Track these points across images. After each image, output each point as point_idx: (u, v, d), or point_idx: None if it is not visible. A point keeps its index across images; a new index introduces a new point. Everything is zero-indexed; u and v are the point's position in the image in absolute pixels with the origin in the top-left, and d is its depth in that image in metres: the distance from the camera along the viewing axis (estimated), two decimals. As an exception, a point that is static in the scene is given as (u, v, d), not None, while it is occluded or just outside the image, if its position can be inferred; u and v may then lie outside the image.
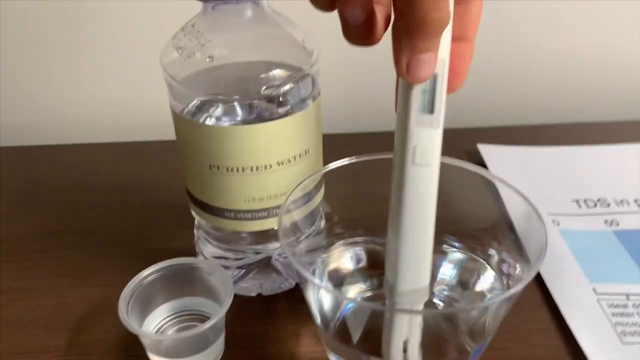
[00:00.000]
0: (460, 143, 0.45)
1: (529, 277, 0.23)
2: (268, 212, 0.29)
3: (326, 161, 0.30)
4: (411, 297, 0.25)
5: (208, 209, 0.29)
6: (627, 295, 0.31)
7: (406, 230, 0.24)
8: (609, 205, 0.38)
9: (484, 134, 0.47)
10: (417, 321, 0.25)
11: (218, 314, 0.27)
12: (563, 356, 0.28)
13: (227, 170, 0.27)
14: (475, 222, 0.29)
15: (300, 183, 0.27)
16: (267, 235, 0.31)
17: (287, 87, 0.27)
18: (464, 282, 0.29)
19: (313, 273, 0.29)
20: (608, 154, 0.43)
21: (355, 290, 0.29)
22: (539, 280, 0.32)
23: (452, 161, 0.28)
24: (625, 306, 0.30)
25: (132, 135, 0.50)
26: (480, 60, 0.51)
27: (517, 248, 0.27)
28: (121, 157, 0.47)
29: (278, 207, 0.29)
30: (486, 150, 0.43)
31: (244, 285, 0.32)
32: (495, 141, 0.45)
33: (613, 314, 0.30)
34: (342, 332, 0.27)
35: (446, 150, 0.45)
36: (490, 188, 0.28)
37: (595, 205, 0.38)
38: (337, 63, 0.42)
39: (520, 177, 0.40)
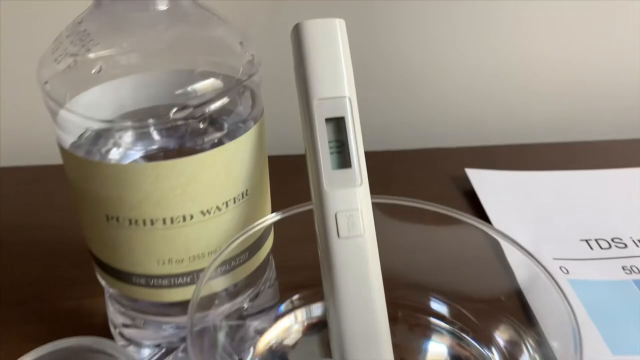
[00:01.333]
0: (444, 166, 0.39)
1: None
2: (192, 277, 0.21)
3: (279, 196, 0.23)
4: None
5: (111, 271, 0.22)
6: (662, 372, 0.25)
7: (346, 315, 0.18)
8: (625, 246, 0.31)
9: (470, 155, 0.40)
10: None
11: None
12: None
13: (130, 223, 0.20)
14: (473, 293, 0.22)
15: (230, 244, 0.20)
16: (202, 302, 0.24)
17: (215, 105, 0.20)
18: None
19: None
20: (620, 179, 0.37)
21: None
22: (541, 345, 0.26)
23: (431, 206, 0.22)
24: (660, 388, 0.24)
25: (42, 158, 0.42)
26: (467, 71, 0.45)
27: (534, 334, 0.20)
28: (22, 183, 0.39)
29: (218, 264, 0.21)
30: (475, 176, 0.36)
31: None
32: (483, 162, 0.39)
33: (646, 401, 0.23)
34: None
35: (428, 176, 0.39)
36: (492, 245, 0.21)
37: (610, 246, 0.32)
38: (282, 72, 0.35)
39: (517, 210, 0.33)
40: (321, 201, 0.18)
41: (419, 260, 0.21)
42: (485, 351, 0.21)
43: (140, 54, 0.20)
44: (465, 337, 0.22)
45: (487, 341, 0.21)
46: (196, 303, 0.18)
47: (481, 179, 0.36)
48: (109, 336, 0.25)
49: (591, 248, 0.31)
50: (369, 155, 0.48)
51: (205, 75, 0.20)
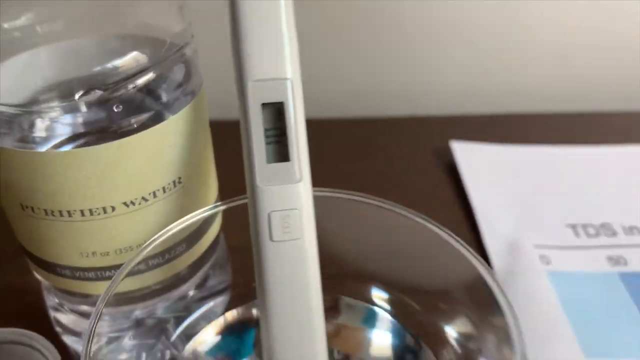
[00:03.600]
0: (429, 137, 0.36)
1: None
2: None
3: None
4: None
5: (36, 260, 0.20)
6: (637, 379, 0.23)
7: (277, 327, 0.16)
8: (614, 233, 0.29)
9: (459, 124, 0.37)
10: None
11: None
12: None
13: (46, 213, 0.18)
14: (415, 283, 0.20)
15: (154, 240, 0.18)
16: (135, 295, 0.22)
17: (138, 82, 0.17)
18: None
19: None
20: (619, 157, 0.34)
21: None
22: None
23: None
24: (632, 397, 0.22)
25: None
26: (459, 34, 0.41)
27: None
28: None
29: (138, 262, 0.20)
30: (460, 149, 0.34)
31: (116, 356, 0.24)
32: (473, 133, 0.36)
33: (616, 412, 0.22)
34: None
35: (408, 147, 0.37)
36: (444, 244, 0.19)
37: (598, 233, 0.29)
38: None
39: (501, 189, 0.31)
40: (253, 198, 0.16)
41: (361, 253, 0.19)
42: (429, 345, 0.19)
43: (62, 20, 0.18)
44: (409, 323, 0.20)
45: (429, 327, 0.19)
46: (101, 307, 0.16)
47: (466, 153, 0.33)
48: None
49: (577, 235, 0.29)
50: (350, 122, 0.45)
51: (129, 47, 0.18)
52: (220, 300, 0.23)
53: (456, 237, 0.18)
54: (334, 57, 0.39)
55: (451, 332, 0.19)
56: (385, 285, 0.20)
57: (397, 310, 0.20)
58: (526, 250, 0.27)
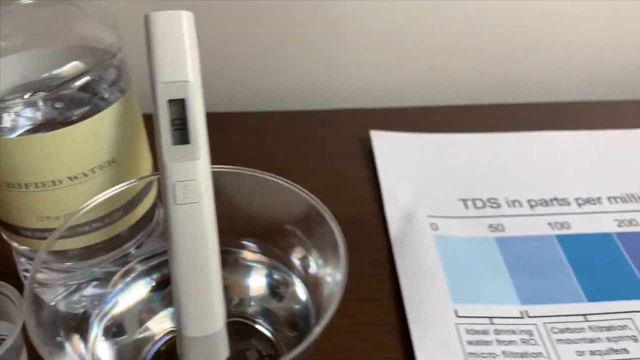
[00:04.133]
0: (356, 127, 0.41)
1: (327, 316, 0.20)
2: (70, 231, 0.25)
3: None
4: (203, 344, 0.22)
5: (4, 225, 0.25)
6: (491, 318, 0.28)
7: (182, 275, 0.21)
8: (499, 206, 0.35)
9: (387, 116, 0.43)
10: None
11: (13, 332, 0.24)
12: (402, 393, 0.26)
13: (8, 185, 0.23)
14: (275, 228, 0.25)
15: (87, 205, 0.23)
16: (88, 252, 0.27)
17: (78, 83, 0.23)
18: (275, 294, 0.26)
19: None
20: (509, 142, 0.39)
21: (161, 329, 0.25)
22: (398, 297, 0.29)
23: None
24: (485, 332, 0.27)
25: None
26: (389, 28, 0.47)
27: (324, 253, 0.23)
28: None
29: (82, 224, 0.25)
30: (378, 137, 0.39)
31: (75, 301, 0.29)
32: (397, 123, 0.41)
33: (469, 342, 0.27)
34: None
35: (335, 137, 0.42)
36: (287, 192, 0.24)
37: (484, 205, 0.35)
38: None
39: (410, 171, 0.36)
40: (162, 172, 0.21)
41: (237, 213, 0.24)
42: (291, 274, 0.25)
43: (19, 36, 0.23)
44: (274, 267, 0.26)
45: (290, 266, 0.25)
46: (40, 260, 0.21)
47: (383, 140, 0.39)
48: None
49: (466, 207, 0.34)
50: (287, 115, 0.50)
51: (73, 56, 0.23)
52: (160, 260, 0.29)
53: (309, 194, 0.24)
54: (269, 55, 0.44)
55: (296, 260, 0.25)
56: (256, 238, 0.26)
57: (266, 254, 0.26)
58: (419, 219, 0.33)
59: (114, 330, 0.24)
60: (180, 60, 0.21)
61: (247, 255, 0.26)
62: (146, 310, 0.25)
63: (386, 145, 0.39)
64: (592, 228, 0.33)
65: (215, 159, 0.23)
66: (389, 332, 0.28)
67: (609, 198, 0.35)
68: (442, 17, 0.43)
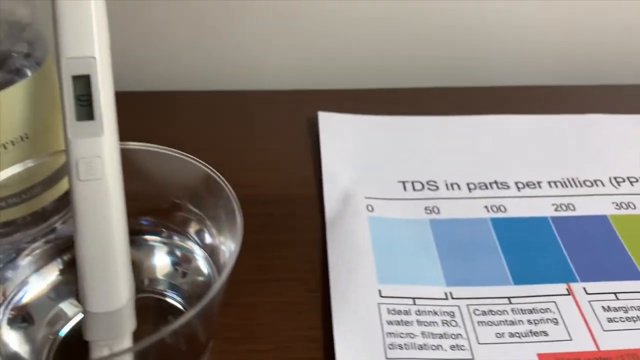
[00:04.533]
0: (307, 108, 0.41)
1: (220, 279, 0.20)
2: (-14, 205, 0.25)
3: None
4: (108, 320, 0.22)
5: None
6: (415, 299, 0.28)
7: (86, 253, 0.21)
8: (437, 189, 0.34)
9: (340, 98, 0.42)
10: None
11: None
12: (317, 371, 0.26)
13: None
14: (174, 204, 0.25)
15: None
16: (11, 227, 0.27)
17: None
18: (178, 271, 0.26)
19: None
20: (451, 125, 0.39)
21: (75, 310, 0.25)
22: (325, 276, 0.29)
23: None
24: (407, 312, 0.27)
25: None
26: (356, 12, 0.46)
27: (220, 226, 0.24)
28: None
29: (-3, 199, 0.25)
30: (325, 118, 0.39)
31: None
32: (351, 106, 0.40)
33: (389, 322, 0.27)
34: None
35: (286, 118, 0.42)
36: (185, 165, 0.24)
37: (423, 188, 0.35)
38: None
39: (353, 151, 0.36)
40: (67, 148, 0.21)
41: (138, 190, 0.24)
42: (192, 249, 0.25)
43: None
44: (175, 243, 0.26)
45: (190, 241, 0.25)
46: None
47: (330, 122, 0.39)
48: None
49: (405, 189, 0.34)
50: (232, 94, 0.49)
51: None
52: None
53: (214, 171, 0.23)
54: (221, 32, 0.43)
55: (194, 234, 0.25)
56: (157, 216, 0.26)
57: (167, 231, 0.26)
58: (356, 200, 0.33)
59: (23, 314, 0.24)
60: (86, 35, 0.21)
61: (149, 234, 0.26)
62: (58, 291, 0.25)
63: (333, 127, 0.38)
64: (528, 212, 0.33)
65: (155, 139, 0.24)
66: (313, 310, 0.28)
67: (549, 182, 0.35)
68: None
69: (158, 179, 0.24)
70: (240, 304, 0.27)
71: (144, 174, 0.24)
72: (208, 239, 0.24)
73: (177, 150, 0.23)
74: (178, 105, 0.42)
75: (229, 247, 0.22)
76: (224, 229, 0.22)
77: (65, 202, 0.27)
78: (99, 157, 0.21)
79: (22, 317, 0.23)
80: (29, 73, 0.24)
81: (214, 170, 0.23)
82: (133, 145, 0.24)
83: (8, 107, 0.23)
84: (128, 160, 0.23)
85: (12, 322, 0.23)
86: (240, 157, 0.37)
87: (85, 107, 0.21)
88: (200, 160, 0.23)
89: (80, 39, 0.21)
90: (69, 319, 0.24)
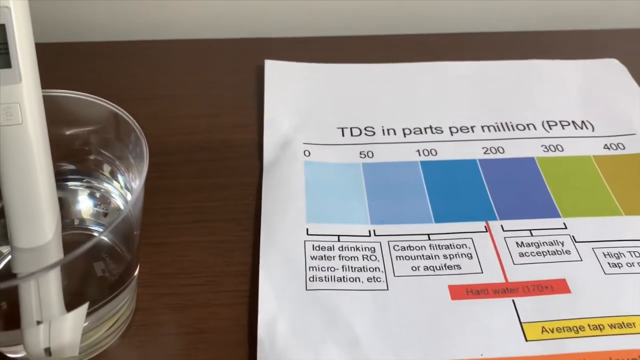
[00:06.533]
0: (254, 56, 0.41)
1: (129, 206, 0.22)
2: None
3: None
4: (35, 255, 0.23)
5: None
6: (339, 236, 0.30)
7: (10, 193, 0.23)
8: (374, 134, 0.36)
9: (288, 46, 0.43)
10: (46, 279, 0.23)
11: None
12: (242, 301, 0.27)
13: None
14: (86, 147, 0.27)
15: None
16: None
17: None
18: (104, 210, 0.28)
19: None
20: (397, 73, 0.40)
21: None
22: (258, 217, 0.31)
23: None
24: (330, 248, 0.29)
25: None
26: None
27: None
28: None
29: None
30: (272, 66, 0.40)
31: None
32: (302, 54, 0.41)
33: (313, 257, 0.29)
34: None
35: (236, 65, 0.42)
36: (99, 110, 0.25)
37: (360, 134, 0.36)
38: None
39: (297, 100, 0.37)
40: (-14, 95, 0.23)
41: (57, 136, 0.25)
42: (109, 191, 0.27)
43: None
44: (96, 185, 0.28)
45: (105, 182, 0.27)
46: None
47: (275, 69, 0.39)
48: None
49: (343, 135, 0.35)
50: (187, 43, 0.49)
51: None
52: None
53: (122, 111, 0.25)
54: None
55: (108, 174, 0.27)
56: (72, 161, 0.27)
57: (84, 175, 0.27)
58: (294, 146, 0.34)
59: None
60: (2, -13, 0.22)
61: (71, 181, 0.27)
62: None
63: (277, 75, 0.39)
64: (458, 155, 0.34)
65: (103, 89, 0.25)
66: (243, 248, 0.30)
67: (482, 127, 0.36)
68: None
69: (73, 124, 0.25)
70: (174, 243, 0.29)
71: (59, 119, 0.25)
72: (121, 178, 0.26)
73: (89, 95, 0.25)
74: (131, 53, 0.42)
75: (137, 183, 0.24)
76: (133, 167, 0.24)
77: None
78: (18, 103, 0.23)
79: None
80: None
81: (119, 108, 0.24)
82: (51, 92, 0.25)
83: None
84: (48, 107, 0.24)
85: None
86: (186, 104, 0.38)
87: (2, 55, 0.22)
88: (107, 101, 0.24)
89: (-7, -13, 0.22)
90: (3, 257, 0.26)
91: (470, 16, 0.47)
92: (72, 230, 0.27)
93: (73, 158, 0.26)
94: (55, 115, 0.25)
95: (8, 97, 0.23)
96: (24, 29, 0.23)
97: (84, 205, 0.27)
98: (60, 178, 0.26)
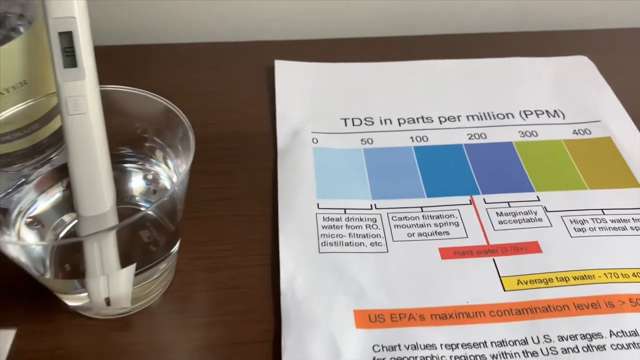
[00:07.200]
0: (266, 57, 0.46)
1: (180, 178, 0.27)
2: (-6, 139, 0.31)
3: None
4: (96, 222, 0.28)
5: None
6: (345, 210, 0.35)
7: (76, 170, 0.28)
8: (373, 124, 0.41)
9: (295, 47, 0.48)
10: (106, 240, 0.28)
11: None
12: (266, 263, 0.32)
13: (-62, 101, 0.29)
14: (142, 134, 0.32)
15: None
16: (16, 157, 0.34)
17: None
18: (153, 188, 0.32)
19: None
20: (393, 70, 0.45)
21: (71, 217, 0.32)
22: (275, 194, 0.36)
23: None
24: (338, 219, 0.34)
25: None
26: None
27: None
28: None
29: (4, 134, 0.31)
30: (282, 66, 0.45)
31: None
32: (305, 55, 0.46)
33: (323, 227, 0.34)
34: (56, 269, 0.29)
35: (243, 66, 0.47)
36: (154, 104, 0.30)
37: (361, 123, 0.41)
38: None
39: (305, 95, 0.43)
40: (57, 90, 0.27)
41: (116, 125, 0.30)
42: (161, 167, 0.32)
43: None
44: (146, 169, 0.32)
45: (157, 165, 0.32)
46: None
47: (284, 69, 0.45)
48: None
49: (346, 125, 0.41)
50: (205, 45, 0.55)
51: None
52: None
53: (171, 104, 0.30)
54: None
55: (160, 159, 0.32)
56: (131, 146, 0.32)
57: (139, 157, 0.32)
58: (304, 134, 0.39)
59: (35, 222, 0.31)
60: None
61: (127, 163, 0.32)
62: (59, 205, 0.31)
63: (287, 73, 0.44)
64: (446, 140, 0.39)
65: (136, 85, 0.30)
66: (264, 221, 0.35)
67: (467, 116, 0.41)
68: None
69: (130, 115, 0.30)
70: (205, 217, 0.34)
71: (119, 111, 0.30)
72: (170, 163, 0.31)
73: (143, 90, 0.29)
74: (154, 55, 0.47)
75: (184, 167, 0.29)
76: (181, 154, 0.29)
77: (58, 138, 0.33)
78: (83, 96, 0.27)
79: (35, 223, 0.30)
80: (22, 30, 0.29)
81: (172, 104, 0.29)
82: (109, 87, 0.30)
83: (8, 58, 0.29)
84: (107, 100, 0.29)
85: (28, 226, 0.30)
86: (207, 99, 0.43)
87: (70, 57, 0.27)
88: (161, 97, 0.29)
89: (62, 1, 0.27)
90: (66, 225, 0.31)
91: (456, 19, 0.52)
92: (125, 205, 0.31)
93: (132, 144, 0.31)
94: (119, 108, 0.30)
95: (75, 91, 0.27)
96: (86, 34, 0.27)
97: (137, 184, 0.32)
98: (120, 160, 0.31)
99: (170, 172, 0.31)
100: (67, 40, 0.27)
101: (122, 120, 0.30)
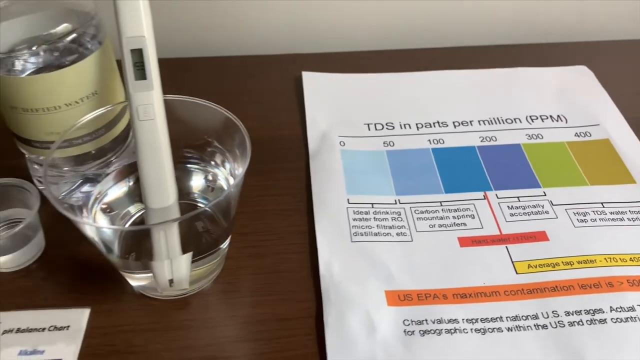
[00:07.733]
0: (294, 69, 0.51)
1: (238, 177, 0.31)
2: (69, 143, 0.35)
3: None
4: (162, 213, 0.32)
5: (20, 139, 0.36)
6: (373, 204, 0.39)
7: (145, 168, 0.32)
8: (393, 128, 0.45)
9: (321, 60, 0.53)
10: (171, 229, 0.32)
11: (30, 215, 0.35)
12: (304, 250, 0.37)
13: (24, 110, 0.33)
14: (205, 139, 0.35)
15: (75, 124, 0.33)
16: (82, 159, 0.38)
17: (68, 39, 0.33)
18: (208, 187, 0.36)
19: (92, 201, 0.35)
20: (411, 80, 0.50)
21: (136, 209, 0.36)
22: (309, 191, 0.40)
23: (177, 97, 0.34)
24: (367, 213, 0.38)
25: None
26: None
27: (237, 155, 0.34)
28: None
29: (76, 138, 0.35)
30: (308, 77, 0.49)
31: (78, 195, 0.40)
32: (330, 67, 0.51)
33: (354, 219, 0.38)
34: (126, 252, 0.33)
35: (274, 77, 0.52)
36: (215, 113, 0.34)
37: (383, 128, 0.45)
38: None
39: (330, 103, 0.47)
40: (129, 99, 0.31)
41: (182, 130, 0.34)
42: (217, 170, 0.36)
43: (22, 4, 0.32)
44: (206, 170, 0.36)
45: (215, 166, 0.36)
46: (47, 163, 0.31)
47: (312, 79, 0.49)
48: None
49: (369, 129, 0.45)
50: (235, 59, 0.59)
51: (63, 19, 0.32)
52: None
53: (229, 113, 0.34)
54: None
55: (219, 162, 0.35)
56: (193, 148, 0.36)
57: (200, 159, 0.36)
58: (332, 138, 0.44)
59: (108, 209, 0.35)
60: (138, 20, 0.31)
61: (189, 163, 0.36)
62: (127, 197, 0.36)
63: (314, 83, 0.49)
64: (460, 143, 0.44)
65: (179, 93, 0.34)
66: (300, 214, 0.39)
67: (479, 121, 0.45)
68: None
69: (195, 122, 0.34)
70: (249, 211, 0.39)
71: (183, 118, 0.34)
72: (227, 166, 0.35)
73: (206, 100, 0.33)
74: (193, 68, 0.52)
75: (240, 171, 0.33)
76: (238, 159, 0.33)
77: (118, 142, 0.38)
78: (151, 104, 0.32)
79: (107, 209, 0.35)
80: (94, 49, 0.34)
81: (231, 114, 0.33)
82: (173, 97, 0.34)
83: (83, 73, 0.33)
84: (171, 108, 0.33)
85: (102, 211, 0.34)
86: (243, 107, 0.47)
87: (140, 71, 0.31)
88: (222, 107, 0.33)
89: (134, 23, 0.31)
90: (132, 215, 0.35)
91: (468, 33, 0.57)
92: (183, 200, 0.35)
93: (195, 147, 0.36)
94: (184, 115, 0.34)
95: (145, 100, 0.32)
96: (153, 50, 0.32)
97: (197, 182, 0.36)
98: (184, 161, 0.36)
99: (227, 173, 0.35)
100: (138, 56, 0.31)
101: (188, 126, 0.34)
